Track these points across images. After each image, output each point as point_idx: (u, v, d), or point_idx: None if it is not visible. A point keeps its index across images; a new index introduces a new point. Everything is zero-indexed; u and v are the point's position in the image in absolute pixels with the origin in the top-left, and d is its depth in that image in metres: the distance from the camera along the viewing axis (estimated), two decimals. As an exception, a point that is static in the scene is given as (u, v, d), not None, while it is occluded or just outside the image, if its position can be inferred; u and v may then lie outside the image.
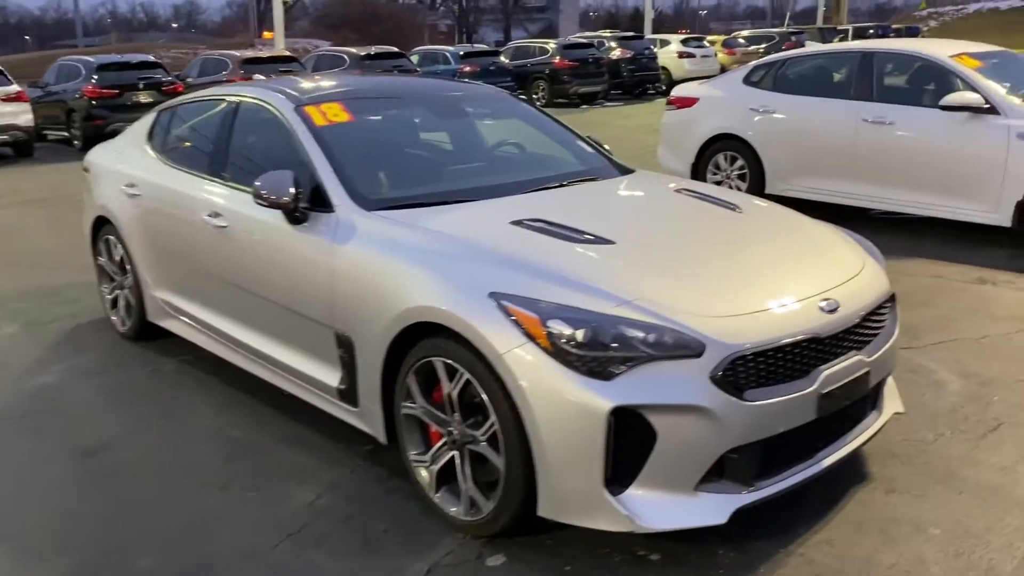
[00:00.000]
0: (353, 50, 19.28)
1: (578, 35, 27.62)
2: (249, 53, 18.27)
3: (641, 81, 23.54)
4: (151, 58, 16.61)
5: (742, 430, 2.60)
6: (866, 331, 2.98)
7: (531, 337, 2.60)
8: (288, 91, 3.96)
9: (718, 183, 8.26)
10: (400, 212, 3.29)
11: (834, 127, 7.31)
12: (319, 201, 3.43)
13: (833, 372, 2.79)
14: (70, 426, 3.89)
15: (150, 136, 4.84)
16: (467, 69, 20.03)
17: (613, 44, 23.86)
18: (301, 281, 3.44)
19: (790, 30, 30.06)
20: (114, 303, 5.07)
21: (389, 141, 3.92)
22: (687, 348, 2.56)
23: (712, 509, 2.62)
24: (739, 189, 8.11)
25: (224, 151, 4.15)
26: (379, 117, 4.03)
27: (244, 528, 3.02)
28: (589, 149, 4.33)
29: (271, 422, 3.85)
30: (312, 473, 3.39)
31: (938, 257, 6.33)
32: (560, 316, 2.60)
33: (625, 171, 4.18)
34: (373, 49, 19.23)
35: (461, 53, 20.81)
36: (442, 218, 3.24)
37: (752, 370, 2.63)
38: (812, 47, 11.06)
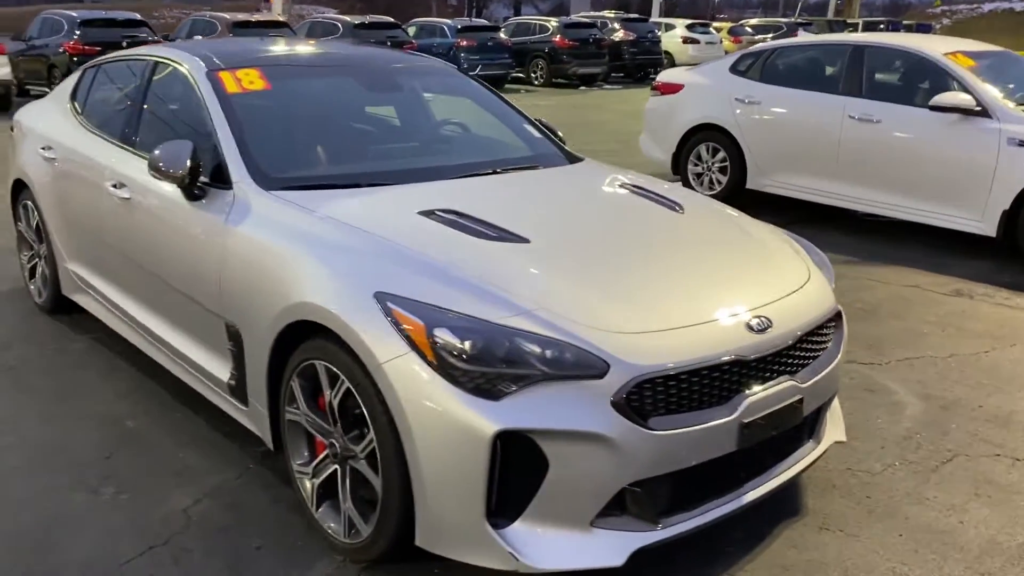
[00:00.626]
0: (347, 18, 18.85)
1: (581, 15, 27.10)
2: (241, 16, 17.78)
3: (643, 65, 23.06)
4: (137, 16, 16.14)
5: (646, 462, 2.30)
6: (802, 354, 2.67)
7: (415, 347, 2.29)
8: (205, 53, 3.62)
9: (698, 175, 7.95)
10: (301, 193, 2.97)
11: (819, 122, 6.97)
12: (221, 176, 3.12)
13: (758, 399, 2.48)
14: (-49, 406, 3.59)
15: (73, 96, 4.51)
16: (463, 43, 19.58)
17: (616, 25, 23.37)
18: (194, 263, 3.13)
19: (799, 21, 29.55)
20: (32, 272, 4.77)
21: (308, 114, 3.57)
22: (588, 368, 2.26)
23: (608, 549, 2.32)
24: (719, 183, 7.80)
25: (136, 116, 3.83)
26: (302, 87, 3.68)
27: (103, 536, 2.72)
28: (537, 134, 4.00)
29: (171, 415, 3.56)
30: (197, 475, 3.10)
31: (918, 265, 6.01)
32: (448, 325, 2.29)
33: (574, 160, 3.86)
34: (367, 18, 18.80)
35: (458, 27, 20.34)
36: (344, 203, 2.92)
37: (661, 395, 2.32)
38: (803, 37, 10.68)
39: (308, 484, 2.73)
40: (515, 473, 2.26)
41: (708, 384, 2.39)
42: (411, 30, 20.84)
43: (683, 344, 2.38)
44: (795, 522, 2.90)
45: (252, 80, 3.47)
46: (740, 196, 7.66)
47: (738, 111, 7.54)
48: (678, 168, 8.09)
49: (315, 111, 3.61)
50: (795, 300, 2.73)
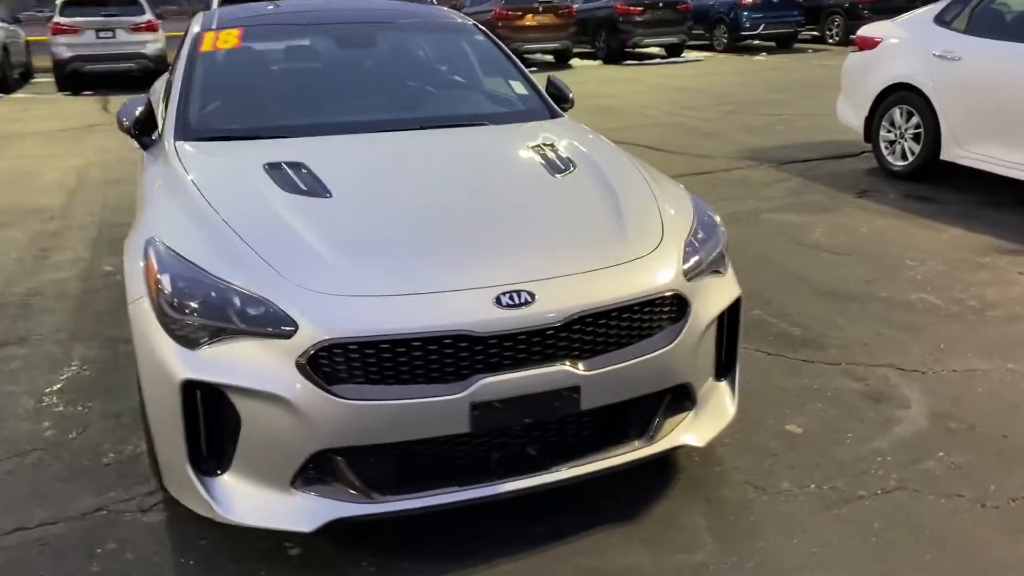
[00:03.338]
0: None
1: (896, -35, 24.18)
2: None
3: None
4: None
5: (335, 430, 2.18)
6: (590, 338, 2.33)
7: (149, 291, 2.38)
8: (217, 13, 3.94)
9: (891, 143, 6.91)
10: (195, 144, 3.15)
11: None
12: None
13: (499, 381, 2.23)
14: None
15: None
16: (746, 1, 18.54)
17: (938, -25, 20.60)
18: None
19: None
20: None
21: (255, 71, 3.72)
22: (279, 326, 2.19)
23: (302, 514, 2.25)
24: (912, 152, 6.72)
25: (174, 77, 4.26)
26: (269, 46, 3.85)
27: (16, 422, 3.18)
28: (524, 91, 3.81)
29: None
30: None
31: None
32: (172, 272, 2.34)
33: (555, 115, 3.66)
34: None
35: (741, -16, 19.27)
36: (206, 153, 3.06)
37: (358, 363, 2.18)
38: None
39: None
40: (221, 426, 2.27)
41: (423, 357, 2.20)
42: (693, -11, 20.14)
43: (391, 312, 2.20)
44: (614, 528, 2.55)
45: (227, 40, 3.71)
46: (935, 169, 6.56)
47: (934, 69, 6.42)
48: (869, 137, 7.11)
49: (265, 68, 3.77)
50: (595, 277, 2.38)
